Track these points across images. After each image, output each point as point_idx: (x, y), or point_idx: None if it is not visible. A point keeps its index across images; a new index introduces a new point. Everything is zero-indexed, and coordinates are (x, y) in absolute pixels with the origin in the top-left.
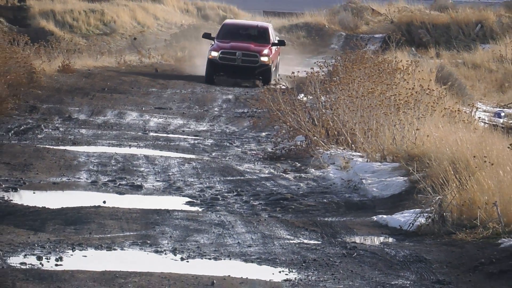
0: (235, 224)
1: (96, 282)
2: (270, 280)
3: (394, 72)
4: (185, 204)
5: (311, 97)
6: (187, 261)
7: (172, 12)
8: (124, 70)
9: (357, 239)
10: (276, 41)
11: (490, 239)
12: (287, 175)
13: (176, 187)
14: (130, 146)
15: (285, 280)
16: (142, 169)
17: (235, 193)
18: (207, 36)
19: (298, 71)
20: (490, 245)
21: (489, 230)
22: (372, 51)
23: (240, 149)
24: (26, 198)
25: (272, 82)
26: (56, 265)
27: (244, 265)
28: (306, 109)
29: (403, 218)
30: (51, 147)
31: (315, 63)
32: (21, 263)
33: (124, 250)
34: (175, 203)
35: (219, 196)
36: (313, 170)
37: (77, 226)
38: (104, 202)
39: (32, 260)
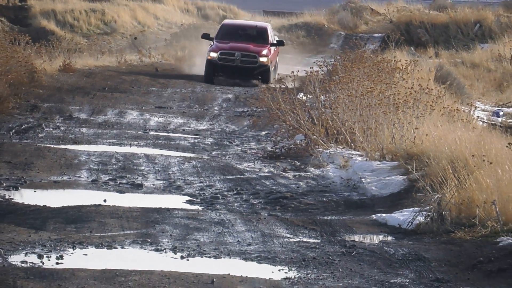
0: (235, 222)
1: (97, 280)
2: (269, 278)
3: (393, 72)
4: (185, 202)
5: (310, 96)
6: (187, 260)
7: (173, 11)
8: (124, 69)
9: (356, 238)
10: (275, 41)
11: (489, 238)
12: (286, 174)
13: (176, 186)
14: (130, 145)
15: (285, 278)
16: (142, 168)
17: (235, 192)
18: (206, 36)
19: (298, 71)
20: (488, 243)
21: (487, 229)
22: (371, 50)
23: (240, 148)
24: (27, 196)
25: (272, 82)
26: (57, 263)
27: (244, 263)
28: (305, 108)
29: (402, 216)
30: (52, 146)
31: (314, 62)
32: (22, 262)
33: (125, 248)
34: (175, 201)
35: (219, 195)
36: (312, 169)
37: (78, 224)
38: (105, 200)
39: (33, 259)
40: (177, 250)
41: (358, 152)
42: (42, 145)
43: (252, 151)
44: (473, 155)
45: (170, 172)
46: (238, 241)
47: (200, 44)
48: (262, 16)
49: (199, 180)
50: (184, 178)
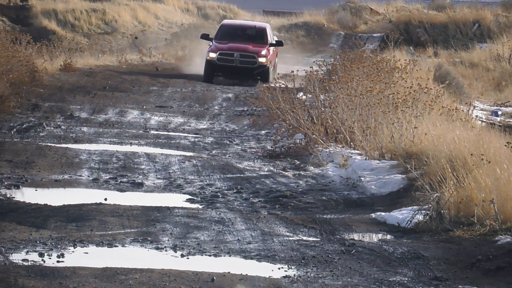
0: (235, 221)
1: (97, 278)
2: (269, 276)
3: (393, 71)
4: (185, 201)
5: (310, 96)
6: (188, 258)
7: (173, 11)
8: (125, 69)
9: (356, 236)
10: (274, 42)
11: (487, 236)
12: (286, 173)
13: (176, 185)
14: (131, 144)
15: (284, 277)
16: (143, 166)
17: (235, 191)
18: (205, 37)
19: (298, 70)
20: (487, 242)
21: (486, 227)
22: (370, 50)
23: (240, 147)
24: (28, 195)
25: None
26: (58, 261)
27: (244, 261)
28: (305, 108)
29: (401, 215)
30: (53, 145)
31: (314, 62)
32: (23, 260)
33: (125, 247)
34: (176, 200)
35: (219, 194)
36: (312, 167)
37: (79, 223)
38: (106, 199)
39: (34, 257)
40: (178, 249)
41: (358, 151)
42: (43, 144)
43: (252, 150)
44: (471, 154)
45: (171, 171)
46: (238, 239)
47: (200, 44)
48: (262, 16)
49: (199, 178)
50: (184, 177)
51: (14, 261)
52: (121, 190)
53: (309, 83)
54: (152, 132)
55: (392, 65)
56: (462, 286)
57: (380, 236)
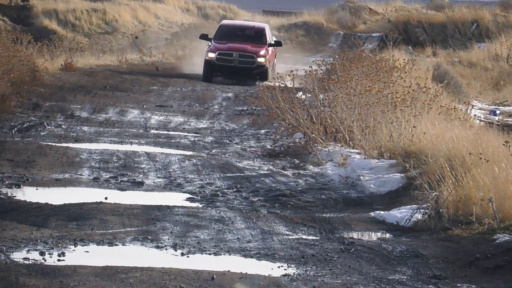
0: (234, 220)
1: (98, 277)
2: (269, 275)
3: (391, 71)
4: (185, 200)
5: (309, 95)
6: (188, 257)
7: (173, 11)
8: (125, 68)
9: (355, 235)
10: (273, 42)
11: (486, 235)
12: (286, 172)
13: (176, 184)
14: (131, 143)
15: (284, 275)
16: (143, 166)
17: (234, 190)
18: (204, 37)
19: (297, 70)
20: (485, 240)
21: (484, 226)
22: (369, 49)
23: (239, 146)
24: (29, 194)
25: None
26: (59, 260)
27: (244, 260)
28: (304, 107)
29: (400, 214)
30: (54, 144)
31: (313, 61)
32: (24, 258)
33: (126, 245)
34: (176, 199)
35: (219, 193)
36: (311, 166)
37: (79, 222)
38: (106, 198)
39: (35, 256)
40: (178, 247)
41: (357, 150)
42: (44, 143)
43: (252, 149)
44: (470, 153)
45: (171, 170)
46: (238, 238)
47: (200, 44)
48: (261, 15)
49: (199, 178)
50: (184, 176)
51: (15, 259)
52: (122, 189)
53: (308, 82)
54: (152, 131)
55: (391, 65)
56: (460, 285)
57: (379, 234)
